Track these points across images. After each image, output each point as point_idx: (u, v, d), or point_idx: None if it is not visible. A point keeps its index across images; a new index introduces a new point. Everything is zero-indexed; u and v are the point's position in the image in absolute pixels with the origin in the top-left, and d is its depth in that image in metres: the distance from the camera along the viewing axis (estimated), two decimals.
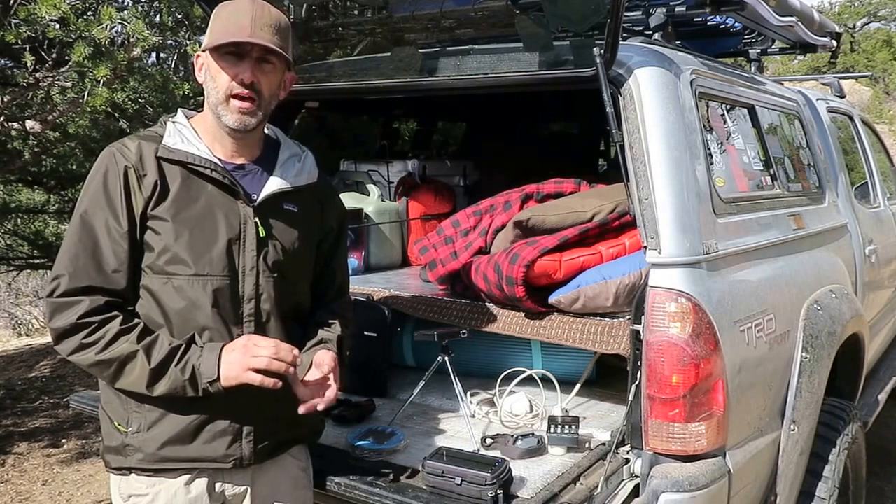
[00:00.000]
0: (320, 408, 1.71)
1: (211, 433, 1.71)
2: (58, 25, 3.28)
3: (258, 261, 1.73)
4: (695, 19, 2.81)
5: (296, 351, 1.67)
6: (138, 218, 1.66)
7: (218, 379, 1.62)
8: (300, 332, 1.87)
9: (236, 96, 1.67)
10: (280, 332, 1.77)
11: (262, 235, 1.73)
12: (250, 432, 1.74)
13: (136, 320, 1.66)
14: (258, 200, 1.74)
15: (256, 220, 1.73)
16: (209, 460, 1.72)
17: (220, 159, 1.73)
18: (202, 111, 1.79)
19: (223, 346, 1.65)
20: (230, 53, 1.66)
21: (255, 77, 1.67)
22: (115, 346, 1.61)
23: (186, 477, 1.73)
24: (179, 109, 1.80)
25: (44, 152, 5.08)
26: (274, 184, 1.77)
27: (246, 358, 1.62)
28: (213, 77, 1.68)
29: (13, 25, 3.24)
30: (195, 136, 1.73)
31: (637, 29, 2.75)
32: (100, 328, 1.62)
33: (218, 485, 1.77)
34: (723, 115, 2.56)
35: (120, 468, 1.75)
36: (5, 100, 3.82)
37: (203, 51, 1.71)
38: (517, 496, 1.85)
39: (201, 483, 1.75)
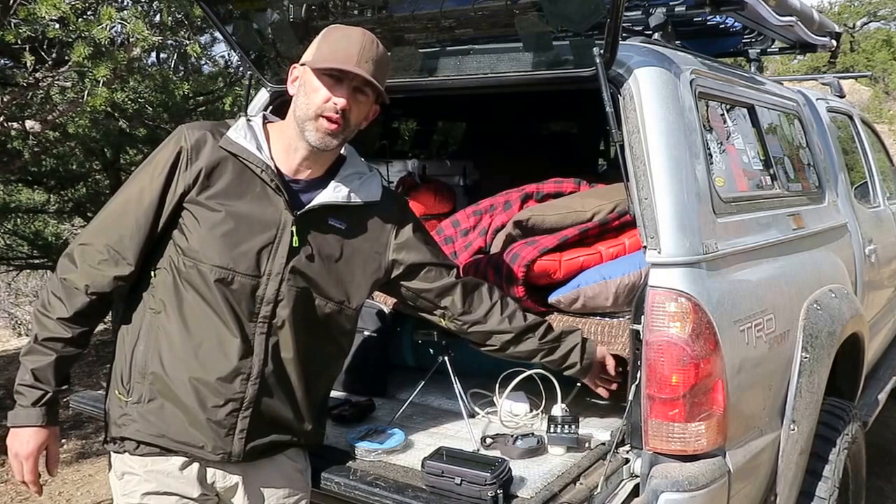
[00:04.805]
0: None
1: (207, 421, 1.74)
2: (58, 25, 3.29)
3: (285, 268, 1.75)
4: (695, 19, 2.81)
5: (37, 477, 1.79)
6: (176, 198, 1.71)
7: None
8: (333, 348, 1.90)
9: (326, 118, 1.71)
10: (293, 342, 1.78)
11: (295, 245, 1.75)
12: (243, 429, 1.76)
13: (78, 328, 1.75)
14: (302, 210, 1.77)
15: (294, 228, 1.75)
16: (199, 448, 1.74)
17: (278, 169, 1.76)
18: (284, 119, 1.82)
19: (39, 422, 1.78)
20: (331, 76, 1.70)
21: (348, 104, 1.71)
22: (40, 320, 1.74)
23: (180, 461, 1.76)
24: (262, 112, 1.85)
25: (44, 152, 5.08)
26: (323, 196, 1.79)
27: (18, 457, 1.77)
28: (307, 94, 1.72)
29: (13, 25, 3.24)
30: (263, 138, 1.77)
31: (637, 29, 2.74)
32: (56, 300, 1.73)
33: (210, 473, 1.80)
34: (723, 114, 2.56)
35: (115, 438, 1.79)
36: (5, 100, 3.82)
37: (301, 64, 1.75)
38: (517, 496, 1.85)
39: (193, 469, 1.78)
